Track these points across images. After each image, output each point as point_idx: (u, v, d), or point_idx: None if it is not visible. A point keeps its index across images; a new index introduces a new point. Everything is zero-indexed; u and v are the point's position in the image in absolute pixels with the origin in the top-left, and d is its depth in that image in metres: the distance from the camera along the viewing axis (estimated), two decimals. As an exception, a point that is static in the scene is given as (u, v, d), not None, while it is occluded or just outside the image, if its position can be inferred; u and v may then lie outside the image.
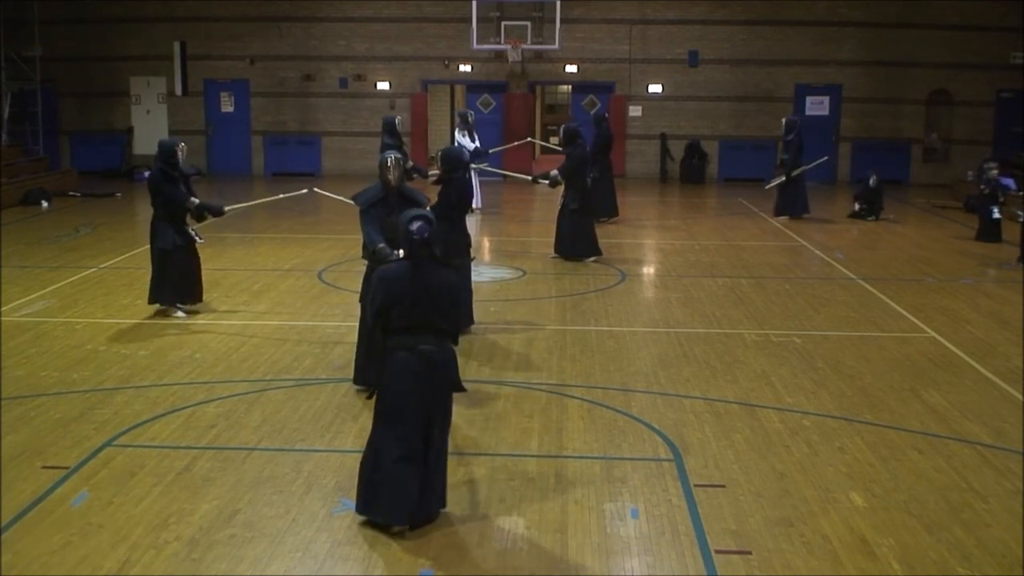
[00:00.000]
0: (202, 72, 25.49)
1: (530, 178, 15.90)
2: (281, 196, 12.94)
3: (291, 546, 5.72)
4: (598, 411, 8.09)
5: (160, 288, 10.80)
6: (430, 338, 5.92)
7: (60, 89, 25.77)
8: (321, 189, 13.10)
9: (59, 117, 25.96)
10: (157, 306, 10.90)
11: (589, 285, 12.92)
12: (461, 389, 6.13)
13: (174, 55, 24.50)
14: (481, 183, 19.63)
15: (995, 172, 16.65)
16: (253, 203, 14.49)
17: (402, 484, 5.81)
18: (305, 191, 13.15)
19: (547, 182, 14.63)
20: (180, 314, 10.83)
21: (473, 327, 10.36)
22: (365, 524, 5.95)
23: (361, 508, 6.00)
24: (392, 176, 8.08)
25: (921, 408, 8.25)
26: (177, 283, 10.79)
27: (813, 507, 6.30)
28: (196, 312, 10.96)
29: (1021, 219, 14.38)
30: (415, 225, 5.92)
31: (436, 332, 5.95)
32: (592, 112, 23.62)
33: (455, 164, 9.92)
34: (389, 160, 8.12)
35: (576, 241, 14.30)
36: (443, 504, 6.13)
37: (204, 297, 11.12)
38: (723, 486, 6.60)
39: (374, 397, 6.08)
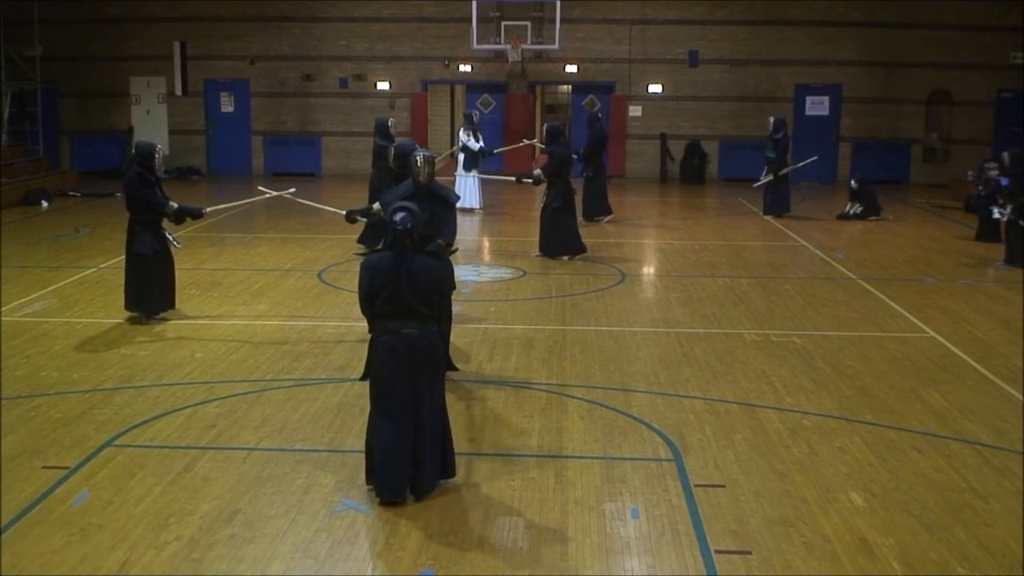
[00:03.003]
0: (202, 72, 25.49)
1: (514, 178, 15.93)
2: (262, 196, 12.35)
3: (291, 546, 5.72)
4: (598, 411, 8.09)
5: (138, 297, 10.54)
6: (413, 323, 6.25)
7: (60, 89, 25.77)
8: (321, 189, 12.99)
9: (59, 117, 25.96)
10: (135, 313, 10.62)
11: (589, 285, 12.92)
12: (452, 368, 6.28)
13: (174, 55, 24.50)
14: (483, 183, 19.66)
15: (995, 172, 16.64)
16: (234, 204, 14.13)
17: (394, 462, 6.22)
18: (277, 193, 12.19)
19: (531, 181, 14.84)
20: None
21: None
22: (380, 502, 6.22)
23: (368, 480, 6.42)
24: (422, 174, 8.05)
25: (921, 408, 8.25)
26: (156, 291, 10.54)
27: (813, 507, 6.30)
28: (167, 319, 10.72)
29: (1006, 217, 14.36)
30: (398, 216, 6.24)
31: (419, 317, 6.25)
32: (589, 112, 23.62)
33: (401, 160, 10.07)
34: (419, 159, 8.07)
35: (561, 240, 14.35)
36: (451, 474, 6.50)
37: (204, 297, 11.07)
38: (723, 486, 6.60)
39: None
